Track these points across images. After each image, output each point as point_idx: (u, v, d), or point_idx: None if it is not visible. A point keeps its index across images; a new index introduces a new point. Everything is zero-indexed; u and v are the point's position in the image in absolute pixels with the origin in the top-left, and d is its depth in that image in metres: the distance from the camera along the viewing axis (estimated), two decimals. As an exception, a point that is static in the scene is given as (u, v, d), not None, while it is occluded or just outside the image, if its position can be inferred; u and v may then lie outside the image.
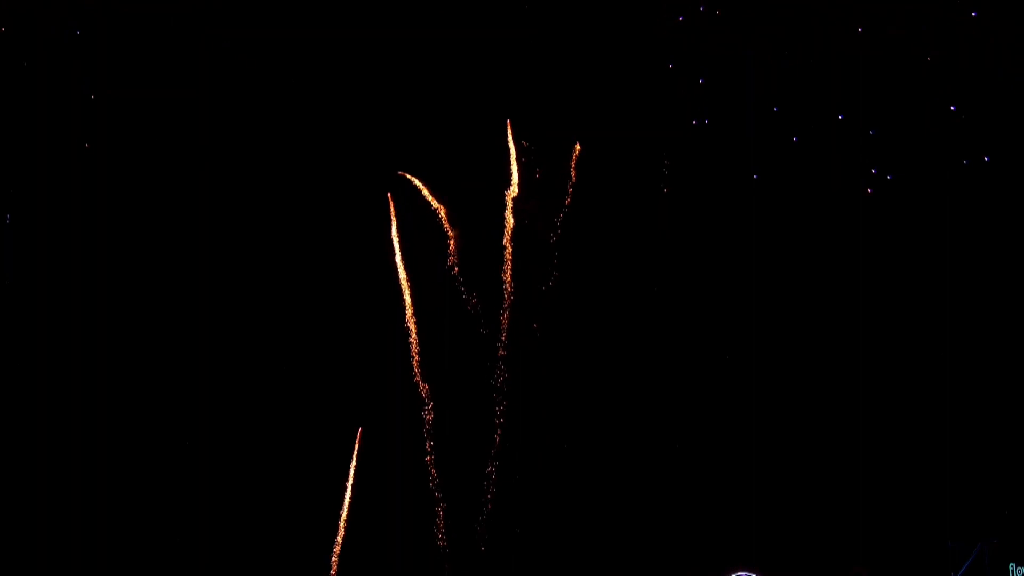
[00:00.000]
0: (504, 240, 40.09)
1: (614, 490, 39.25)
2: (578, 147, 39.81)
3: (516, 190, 39.96)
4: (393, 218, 39.96)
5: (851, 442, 38.88)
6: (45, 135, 39.74)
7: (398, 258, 39.99)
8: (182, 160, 40.13)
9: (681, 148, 40.17)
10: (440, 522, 39.30)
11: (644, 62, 40.21)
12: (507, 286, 39.96)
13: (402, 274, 39.99)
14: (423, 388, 39.72)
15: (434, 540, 39.27)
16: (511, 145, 39.73)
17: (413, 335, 39.88)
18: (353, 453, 39.17)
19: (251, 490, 39.26)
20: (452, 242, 40.07)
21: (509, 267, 40.09)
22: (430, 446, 39.53)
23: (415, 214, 40.20)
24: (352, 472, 39.13)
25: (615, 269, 40.18)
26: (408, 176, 39.71)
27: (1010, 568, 34.95)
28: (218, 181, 40.21)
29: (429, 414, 39.66)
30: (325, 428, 39.59)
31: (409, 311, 39.88)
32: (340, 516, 39.06)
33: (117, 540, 38.80)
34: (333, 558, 38.97)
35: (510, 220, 40.06)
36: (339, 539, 38.99)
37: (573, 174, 39.82)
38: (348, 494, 39.08)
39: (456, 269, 40.04)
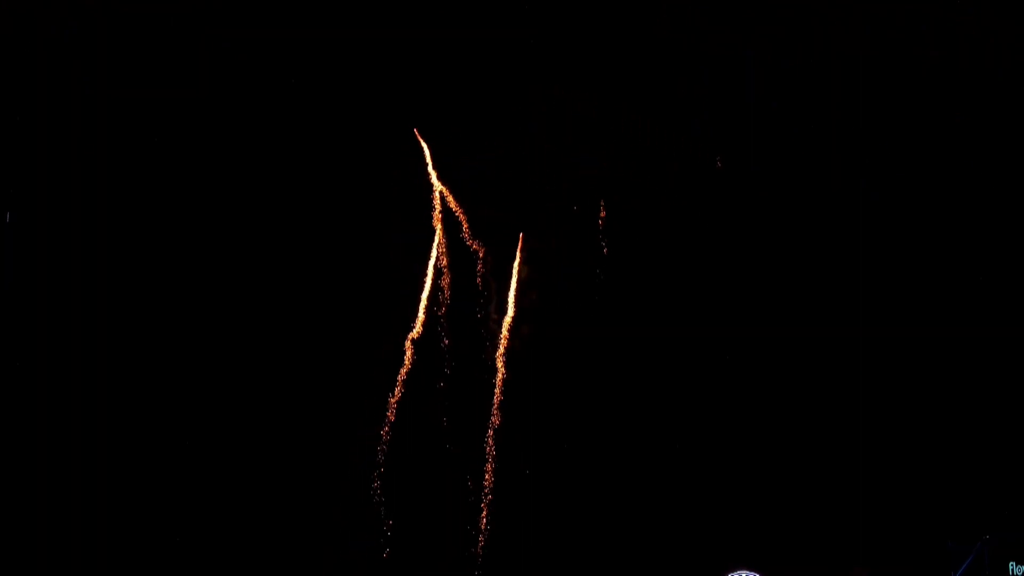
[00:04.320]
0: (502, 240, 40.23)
1: (614, 490, 39.23)
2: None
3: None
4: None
5: (851, 442, 38.90)
6: (45, 135, 39.72)
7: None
8: (182, 160, 40.11)
9: (681, 148, 40.20)
10: (439, 521, 39.36)
11: (644, 61, 40.25)
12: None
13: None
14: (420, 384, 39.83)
15: (431, 540, 39.33)
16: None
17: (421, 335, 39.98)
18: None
19: (253, 489, 39.28)
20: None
21: (510, 268, 40.17)
22: (429, 444, 39.60)
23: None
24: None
25: (615, 269, 40.17)
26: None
27: (1010, 568, 34.95)
28: (218, 181, 40.19)
29: (431, 413, 39.76)
30: (326, 427, 39.67)
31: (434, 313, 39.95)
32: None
33: (117, 540, 38.78)
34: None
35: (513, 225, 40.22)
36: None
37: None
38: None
39: (445, 267, 40.10)
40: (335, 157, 40.38)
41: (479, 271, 40.09)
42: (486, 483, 39.17)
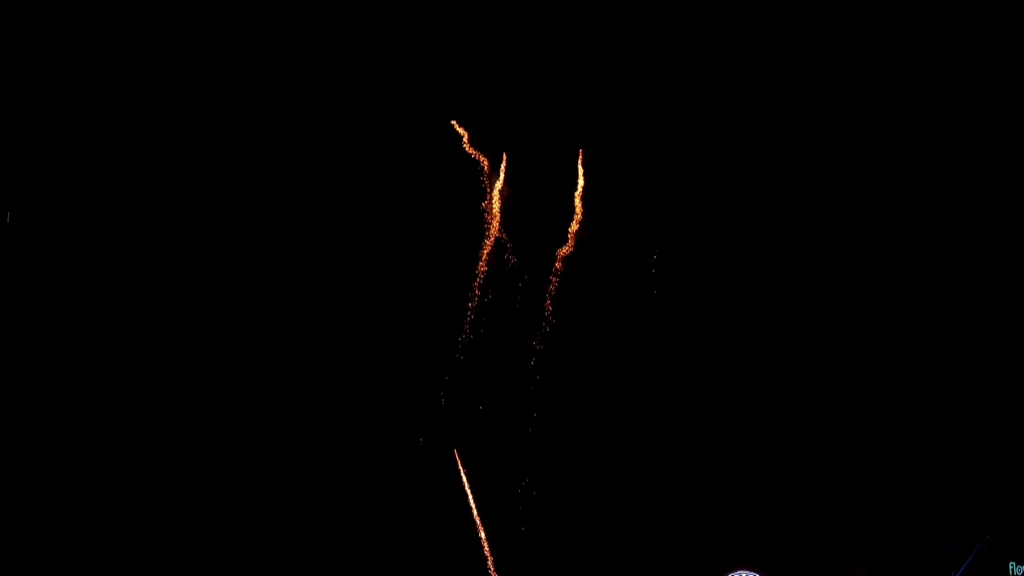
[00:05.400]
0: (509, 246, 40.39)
1: (615, 490, 39.32)
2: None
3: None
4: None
5: (851, 442, 38.99)
6: (45, 135, 39.81)
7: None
8: (182, 160, 40.21)
9: (681, 151, 40.37)
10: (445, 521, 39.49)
11: (645, 67, 40.42)
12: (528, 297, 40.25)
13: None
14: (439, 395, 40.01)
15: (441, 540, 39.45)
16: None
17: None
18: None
19: (290, 495, 39.47)
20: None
21: (513, 273, 40.30)
22: (436, 448, 39.75)
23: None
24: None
25: (616, 270, 40.30)
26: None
27: (1010, 567, 35.03)
28: (218, 181, 40.30)
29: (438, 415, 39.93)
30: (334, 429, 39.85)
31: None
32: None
33: (117, 540, 38.86)
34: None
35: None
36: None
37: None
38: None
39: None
40: (334, 157, 40.56)
41: (519, 286, 40.29)
42: (489, 485, 39.32)
